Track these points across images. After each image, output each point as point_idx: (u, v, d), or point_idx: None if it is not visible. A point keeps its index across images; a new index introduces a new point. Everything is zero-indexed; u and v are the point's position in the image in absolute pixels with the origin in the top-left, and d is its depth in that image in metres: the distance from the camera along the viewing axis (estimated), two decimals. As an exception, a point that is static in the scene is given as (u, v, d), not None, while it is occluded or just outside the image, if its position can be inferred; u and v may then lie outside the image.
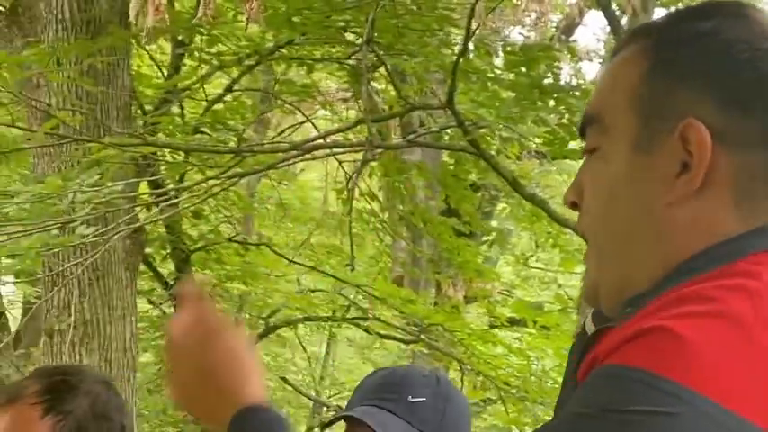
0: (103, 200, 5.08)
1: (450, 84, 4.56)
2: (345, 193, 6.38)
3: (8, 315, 12.56)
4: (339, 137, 5.18)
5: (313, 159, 5.57)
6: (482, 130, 5.59)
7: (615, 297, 1.11)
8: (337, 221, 8.96)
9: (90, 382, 1.88)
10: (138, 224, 5.69)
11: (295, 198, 11.27)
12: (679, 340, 0.91)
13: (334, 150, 5.50)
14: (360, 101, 6.86)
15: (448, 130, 5.97)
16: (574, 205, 1.18)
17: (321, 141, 4.72)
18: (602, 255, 1.13)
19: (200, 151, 5.06)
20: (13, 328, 12.12)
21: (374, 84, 8.56)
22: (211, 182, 4.95)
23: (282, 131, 9.68)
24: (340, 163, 7.64)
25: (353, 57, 5.78)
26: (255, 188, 10.37)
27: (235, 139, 6.65)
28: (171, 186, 5.61)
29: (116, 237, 5.42)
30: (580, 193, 1.16)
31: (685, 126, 1.05)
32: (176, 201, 5.23)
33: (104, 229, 5.34)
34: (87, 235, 5.26)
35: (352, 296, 8.56)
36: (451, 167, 7.35)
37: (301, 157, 4.79)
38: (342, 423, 1.99)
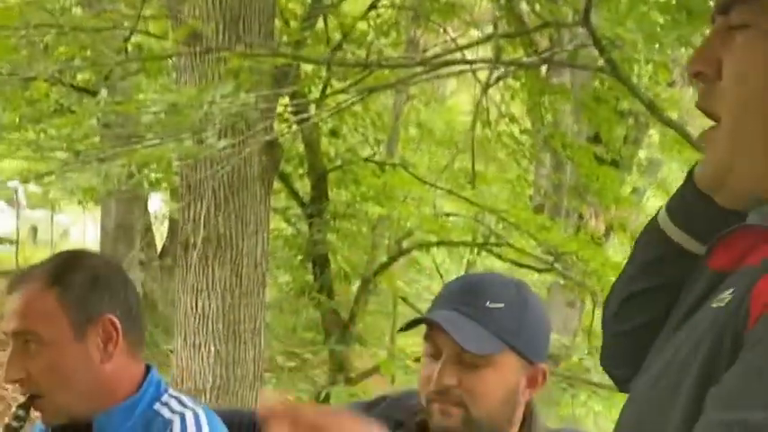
0: (235, 111, 5.08)
1: (587, 0, 4.34)
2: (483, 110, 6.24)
3: (155, 231, 13.01)
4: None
5: (447, 77, 5.41)
6: (629, 53, 5.36)
7: (748, 186, 1.10)
8: (488, 147, 8.82)
9: (92, 260, 2.06)
10: (269, 137, 5.68)
11: (442, 121, 11.12)
12: None
13: (473, 67, 5.33)
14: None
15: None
16: (698, 74, 1.14)
17: (449, 57, 4.56)
18: (746, 144, 1.09)
19: (329, 64, 4.99)
20: (159, 245, 12.54)
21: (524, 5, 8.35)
22: (341, 96, 4.87)
23: (425, 51, 9.53)
24: (482, 84, 7.46)
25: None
26: (401, 110, 10.28)
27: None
28: (302, 100, 5.57)
29: (248, 149, 5.42)
30: (714, 66, 1.12)
31: None
32: (307, 115, 5.17)
33: (236, 141, 5.35)
34: (221, 145, 5.29)
35: (489, 223, 8.45)
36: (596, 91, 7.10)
37: (433, 73, 4.67)
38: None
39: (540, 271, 8.55)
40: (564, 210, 9.03)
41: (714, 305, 1.05)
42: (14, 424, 1.92)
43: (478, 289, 1.97)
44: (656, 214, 1.35)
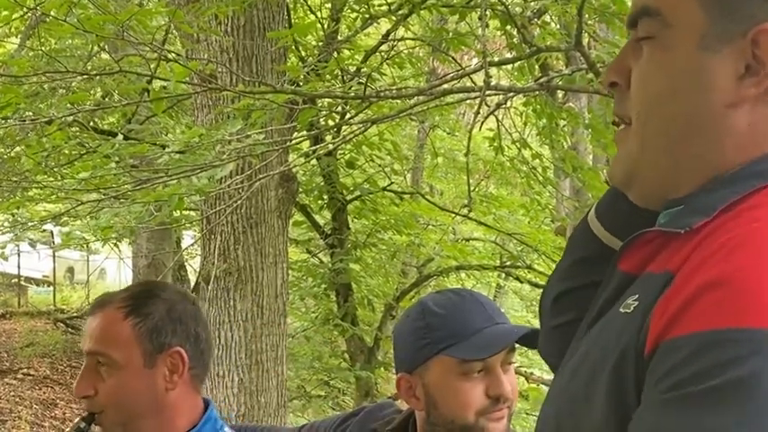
0: (245, 146, 5.20)
1: (578, 25, 4.45)
2: (496, 135, 6.32)
3: (188, 267, 13.19)
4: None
5: (448, 105, 5.53)
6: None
7: (654, 188, 1.17)
8: (502, 172, 8.89)
9: (169, 293, 2.14)
10: (282, 169, 5.79)
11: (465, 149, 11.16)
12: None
13: (470, 95, 5.43)
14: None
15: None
16: (613, 85, 1.21)
17: (444, 87, 4.69)
18: (650, 144, 1.16)
19: (327, 97, 5.14)
20: (192, 280, 12.70)
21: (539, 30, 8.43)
22: (347, 128, 5.01)
23: (442, 79, 9.61)
24: (500, 109, 7.53)
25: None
26: (425, 139, 10.40)
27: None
28: (303, 134, 5.73)
29: (258, 182, 5.54)
30: (625, 76, 1.19)
31: (759, 31, 1.08)
32: (318, 147, 5.31)
33: (248, 175, 5.47)
34: (229, 181, 5.41)
35: (512, 247, 8.50)
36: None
37: (429, 103, 4.80)
38: None
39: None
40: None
41: (622, 310, 1.08)
42: None
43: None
44: (587, 214, 1.40)
